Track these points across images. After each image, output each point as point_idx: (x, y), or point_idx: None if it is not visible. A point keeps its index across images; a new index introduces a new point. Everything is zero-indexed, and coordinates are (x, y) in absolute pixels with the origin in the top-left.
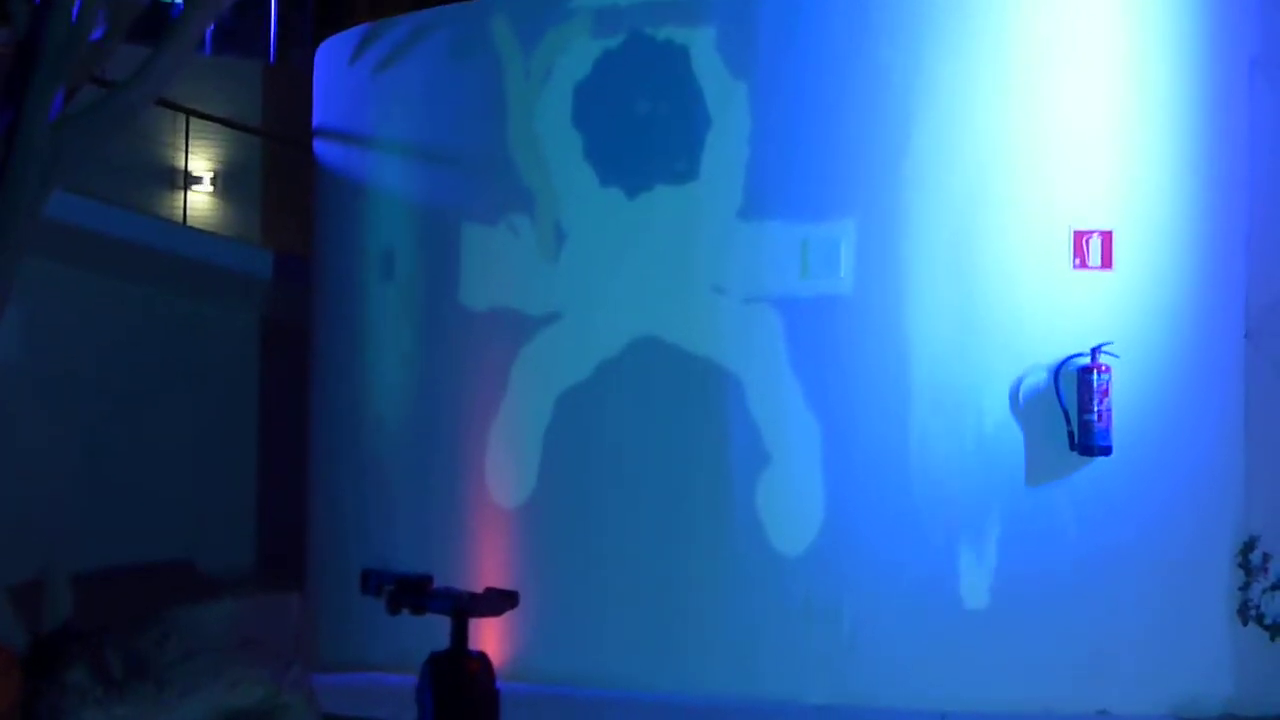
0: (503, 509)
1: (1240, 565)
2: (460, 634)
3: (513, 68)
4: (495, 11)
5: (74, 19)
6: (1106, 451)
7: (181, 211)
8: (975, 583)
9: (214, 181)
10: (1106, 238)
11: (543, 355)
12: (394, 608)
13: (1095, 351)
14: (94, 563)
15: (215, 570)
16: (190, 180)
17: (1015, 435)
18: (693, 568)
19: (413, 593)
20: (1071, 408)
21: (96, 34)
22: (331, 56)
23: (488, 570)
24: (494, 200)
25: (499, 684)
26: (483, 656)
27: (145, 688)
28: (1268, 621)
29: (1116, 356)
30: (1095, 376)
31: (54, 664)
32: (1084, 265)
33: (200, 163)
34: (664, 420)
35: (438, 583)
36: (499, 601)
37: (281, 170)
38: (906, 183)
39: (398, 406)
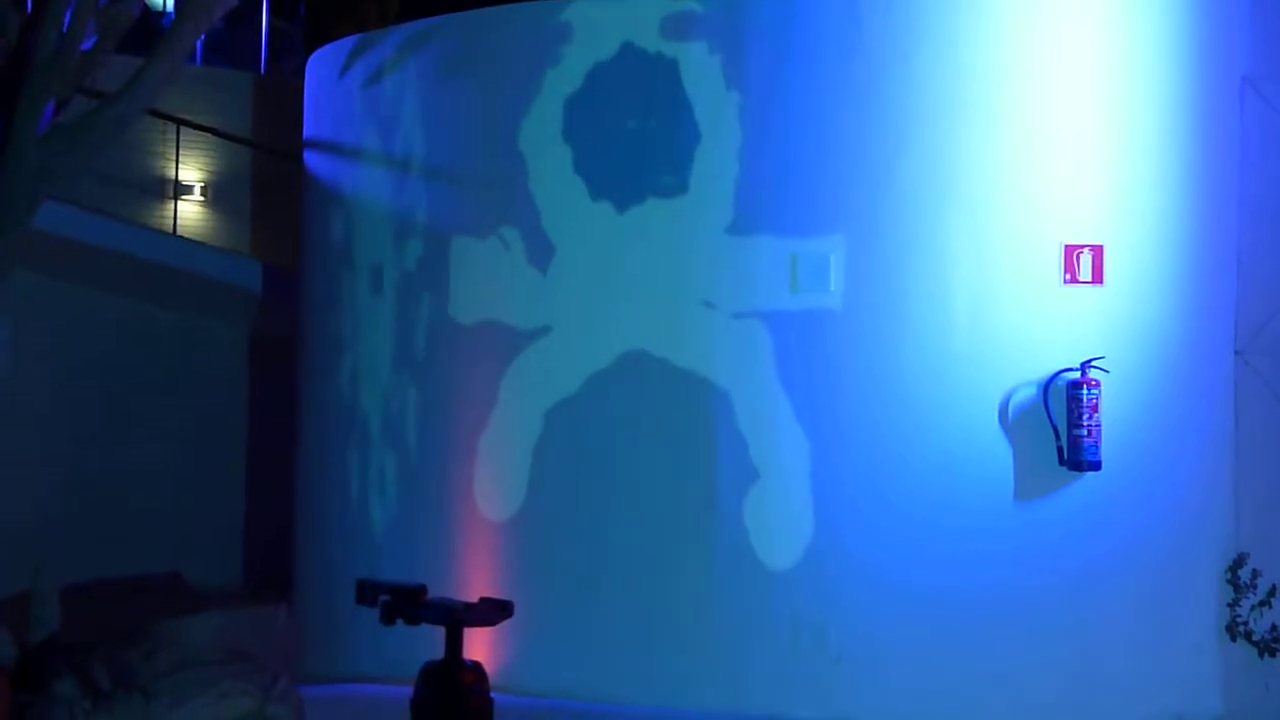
0: (492, 522)
1: (1229, 581)
2: (455, 644)
3: (503, 80)
4: (486, 24)
5: (64, 30)
6: (1096, 467)
7: (171, 222)
8: (962, 599)
9: (204, 192)
10: (1097, 252)
11: (532, 369)
12: (388, 618)
13: (1085, 366)
14: (82, 575)
15: (203, 583)
16: (181, 190)
17: (1004, 450)
18: (681, 582)
19: (408, 603)
20: (1061, 423)
21: (87, 45)
22: (322, 68)
23: (476, 583)
24: (484, 213)
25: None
26: (477, 666)
27: (133, 700)
28: (1256, 638)
29: (1106, 371)
30: (1085, 391)
31: (42, 676)
32: (1074, 280)
33: (191, 173)
34: (653, 434)
35: (430, 595)
36: (493, 612)
37: (272, 181)
38: (897, 197)
39: (386, 420)
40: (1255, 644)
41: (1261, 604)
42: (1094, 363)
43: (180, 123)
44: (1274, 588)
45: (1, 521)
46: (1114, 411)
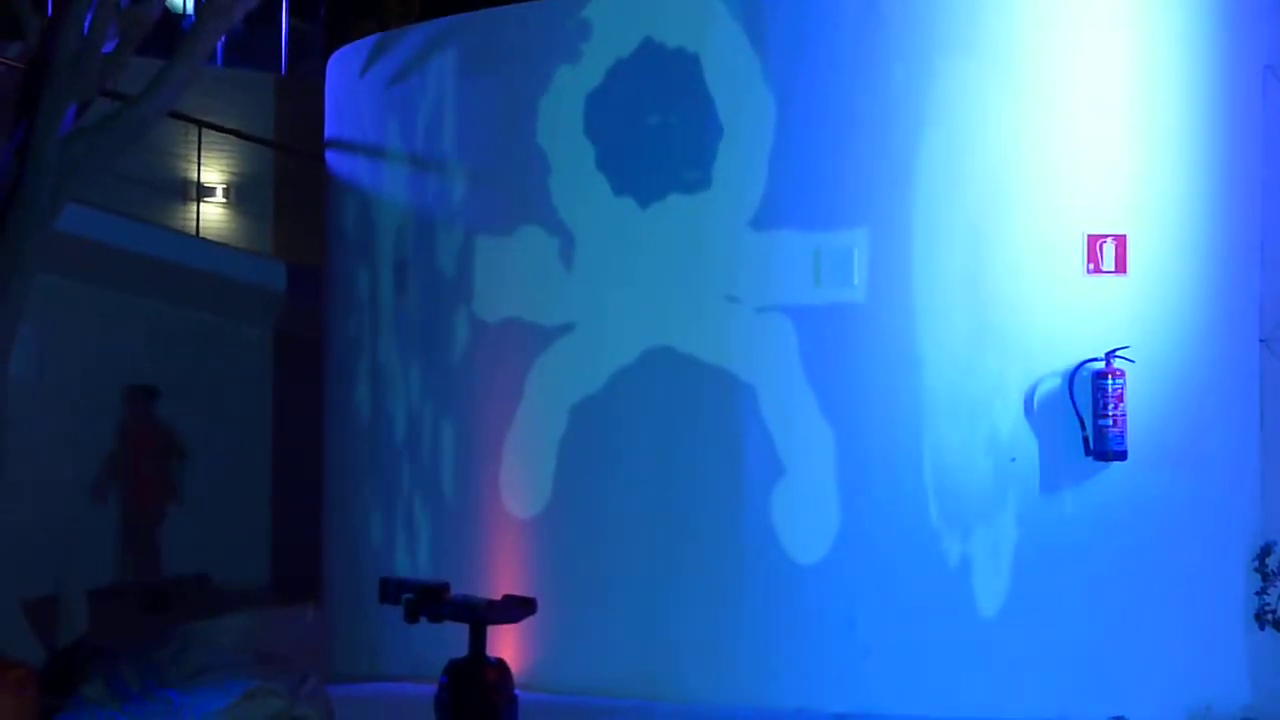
0: (517, 520)
1: (1256, 569)
2: (478, 642)
3: (524, 77)
4: (506, 21)
5: (86, 32)
6: (1122, 457)
7: (194, 223)
8: (990, 590)
9: (226, 193)
10: (1121, 242)
11: (556, 366)
12: (412, 616)
13: (1110, 356)
14: (109, 578)
15: (230, 584)
16: (203, 192)
17: (1030, 441)
18: (707, 577)
19: (431, 600)
20: (1086, 413)
21: (108, 47)
22: (343, 67)
23: (502, 581)
24: (506, 211)
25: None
26: (501, 664)
27: (161, 702)
28: None
29: (1131, 361)
30: (1110, 381)
31: (70, 679)
32: (1098, 270)
33: (213, 174)
34: (677, 430)
35: (454, 593)
36: (516, 609)
37: (294, 181)
38: (919, 190)
39: (411, 418)
40: None
41: None
42: (1118, 352)
43: (202, 124)
44: None
45: (28, 525)
46: (1139, 401)
